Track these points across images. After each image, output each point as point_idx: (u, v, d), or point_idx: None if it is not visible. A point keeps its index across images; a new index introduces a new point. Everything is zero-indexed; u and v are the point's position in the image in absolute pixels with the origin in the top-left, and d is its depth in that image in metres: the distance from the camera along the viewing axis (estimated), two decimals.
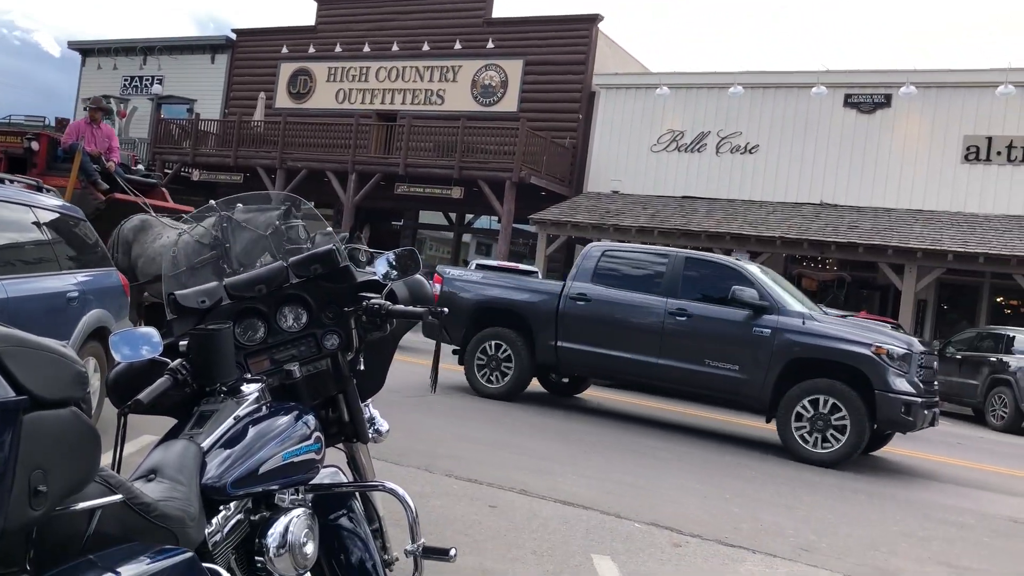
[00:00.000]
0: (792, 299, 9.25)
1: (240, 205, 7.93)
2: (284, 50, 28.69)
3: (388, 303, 2.30)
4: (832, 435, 8.25)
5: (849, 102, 21.29)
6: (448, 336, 10.02)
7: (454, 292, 10.51)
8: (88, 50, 32.86)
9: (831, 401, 8.27)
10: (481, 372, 10.28)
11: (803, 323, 8.65)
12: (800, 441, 8.40)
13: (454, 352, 10.66)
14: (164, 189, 10.59)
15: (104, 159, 11.05)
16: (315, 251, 2.39)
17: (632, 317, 9.53)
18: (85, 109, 12.29)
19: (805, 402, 8.39)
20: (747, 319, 8.78)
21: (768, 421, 9.02)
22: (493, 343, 10.24)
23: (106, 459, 1.47)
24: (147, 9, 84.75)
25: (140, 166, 13.13)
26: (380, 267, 2.43)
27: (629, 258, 10.05)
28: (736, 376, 8.81)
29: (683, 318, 9.20)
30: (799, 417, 8.42)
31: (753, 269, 9.52)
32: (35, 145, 11.27)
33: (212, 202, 8.49)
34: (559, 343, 9.86)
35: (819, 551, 5.38)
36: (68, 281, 5.80)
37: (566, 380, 11.25)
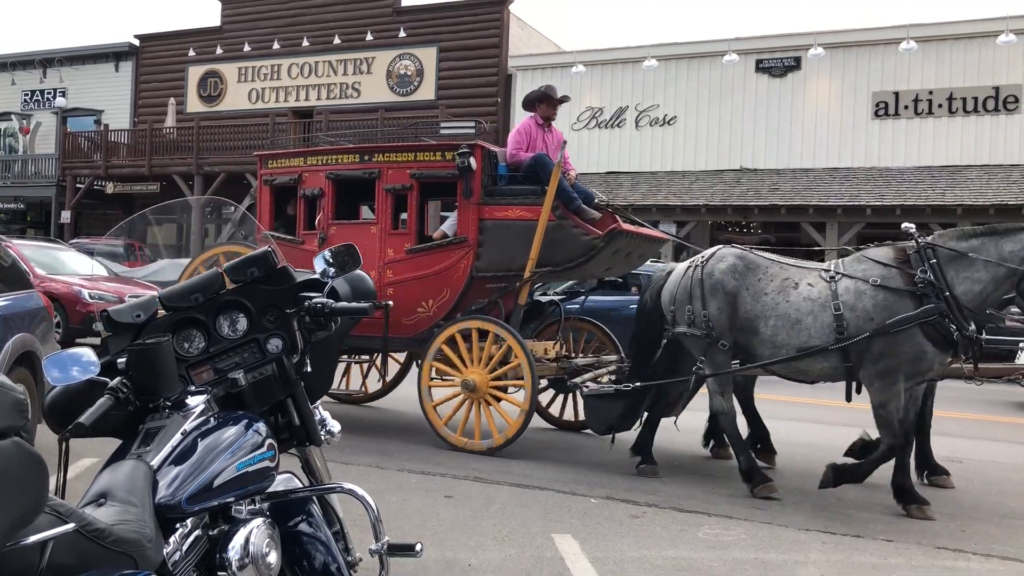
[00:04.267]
0: None
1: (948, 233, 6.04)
2: (191, 53, 27.94)
3: (331, 301, 2.25)
4: None
5: (760, 67, 21.67)
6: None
7: None
8: None
9: None
10: None
11: None
12: None
13: None
14: (610, 208, 7.95)
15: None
16: (250, 254, 2.33)
17: None
18: (524, 107, 8.62)
19: None
20: None
21: None
22: None
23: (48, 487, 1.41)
24: (46, 18, 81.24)
25: None
26: (318, 265, 2.38)
27: None
28: None
29: None
30: None
31: None
32: (473, 162, 7.61)
33: (906, 226, 6.12)
34: None
35: (772, 508, 5.50)
36: None
37: None
